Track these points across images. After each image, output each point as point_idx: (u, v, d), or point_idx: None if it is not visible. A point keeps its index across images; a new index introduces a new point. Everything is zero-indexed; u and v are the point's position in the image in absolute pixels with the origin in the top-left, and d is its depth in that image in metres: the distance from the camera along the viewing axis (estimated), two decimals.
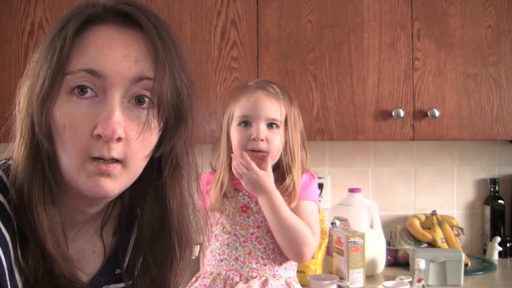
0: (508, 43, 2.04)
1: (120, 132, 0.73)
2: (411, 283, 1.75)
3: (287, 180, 1.51)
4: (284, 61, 1.95)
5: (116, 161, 0.75)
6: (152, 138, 0.79)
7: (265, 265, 1.49)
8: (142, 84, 0.76)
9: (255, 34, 1.94)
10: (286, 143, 1.52)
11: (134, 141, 0.76)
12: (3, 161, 0.83)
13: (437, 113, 1.97)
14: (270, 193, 1.46)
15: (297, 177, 1.52)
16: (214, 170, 1.60)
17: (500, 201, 2.34)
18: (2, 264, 0.69)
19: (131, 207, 0.91)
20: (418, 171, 2.39)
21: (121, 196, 0.88)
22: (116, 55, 0.75)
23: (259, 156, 1.49)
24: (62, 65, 0.73)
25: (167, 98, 0.77)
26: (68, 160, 0.75)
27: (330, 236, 1.96)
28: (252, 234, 1.51)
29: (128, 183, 0.79)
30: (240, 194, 1.55)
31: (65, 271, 0.75)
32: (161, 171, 0.85)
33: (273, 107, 1.49)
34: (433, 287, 1.86)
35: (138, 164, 0.79)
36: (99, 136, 0.73)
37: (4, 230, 0.70)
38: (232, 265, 1.49)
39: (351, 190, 2.10)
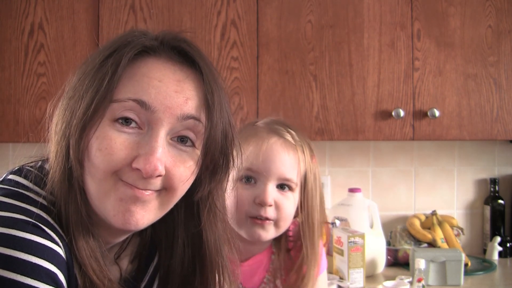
0: (508, 43, 2.04)
1: (161, 170, 0.72)
2: (411, 283, 1.75)
3: (299, 259, 1.19)
4: (284, 61, 1.95)
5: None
6: (191, 178, 0.78)
7: None
8: (187, 123, 0.75)
9: (255, 34, 1.94)
10: (302, 207, 1.19)
11: (174, 178, 0.75)
12: (39, 164, 0.80)
13: (437, 113, 1.97)
14: None
15: (313, 255, 1.18)
16: None
17: (500, 201, 2.34)
18: (63, 286, 0.69)
19: (152, 240, 0.90)
20: (418, 171, 2.39)
21: (142, 231, 0.87)
22: (168, 89, 0.74)
23: (264, 224, 1.14)
24: (110, 91, 0.72)
25: (216, 142, 0.77)
26: (97, 186, 0.73)
27: (330, 236, 1.96)
28: None
29: (157, 217, 0.78)
30: None
31: None
32: (192, 212, 0.84)
33: (290, 163, 1.15)
34: (433, 287, 1.86)
35: (172, 201, 0.78)
36: (136, 169, 0.72)
37: (60, 251, 0.69)
38: None
39: (351, 190, 2.10)
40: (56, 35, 1.87)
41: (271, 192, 1.13)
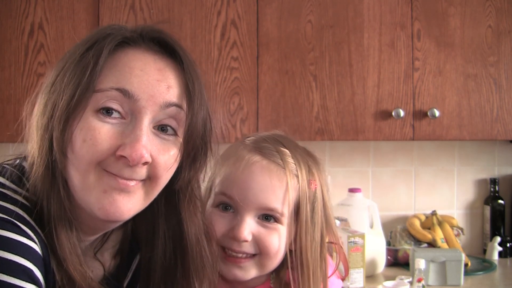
0: (508, 43, 2.04)
1: (147, 157, 0.73)
2: (411, 283, 1.75)
3: None
4: (284, 61, 1.95)
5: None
6: (174, 166, 0.79)
7: None
8: (169, 111, 0.76)
9: (255, 34, 1.94)
10: (295, 243, 0.96)
11: (158, 167, 0.75)
12: (17, 161, 0.80)
13: (437, 113, 1.97)
14: None
15: None
16: None
17: (500, 201, 2.34)
18: (40, 282, 0.69)
19: (134, 234, 0.90)
20: (418, 171, 2.39)
21: (124, 224, 0.87)
22: (149, 78, 0.75)
23: (237, 263, 0.94)
24: (92, 82, 0.72)
25: (197, 129, 0.78)
26: (81, 178, 0.73)
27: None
28: None
29: (142, 207, 0.78)
30: None
31: None
32: (171, 203, 0.84)
33: (272, 189, 0.93)
34: (433, 287, 1.86)
35: (157, 189, 0.78)
36: (122, 157, 0.72)
37: (37, 248, 0.70)
38: None
39: (351, 190, 2.10)
40: (56, 35, 1.87)
41: (248, 225, 0.92)
